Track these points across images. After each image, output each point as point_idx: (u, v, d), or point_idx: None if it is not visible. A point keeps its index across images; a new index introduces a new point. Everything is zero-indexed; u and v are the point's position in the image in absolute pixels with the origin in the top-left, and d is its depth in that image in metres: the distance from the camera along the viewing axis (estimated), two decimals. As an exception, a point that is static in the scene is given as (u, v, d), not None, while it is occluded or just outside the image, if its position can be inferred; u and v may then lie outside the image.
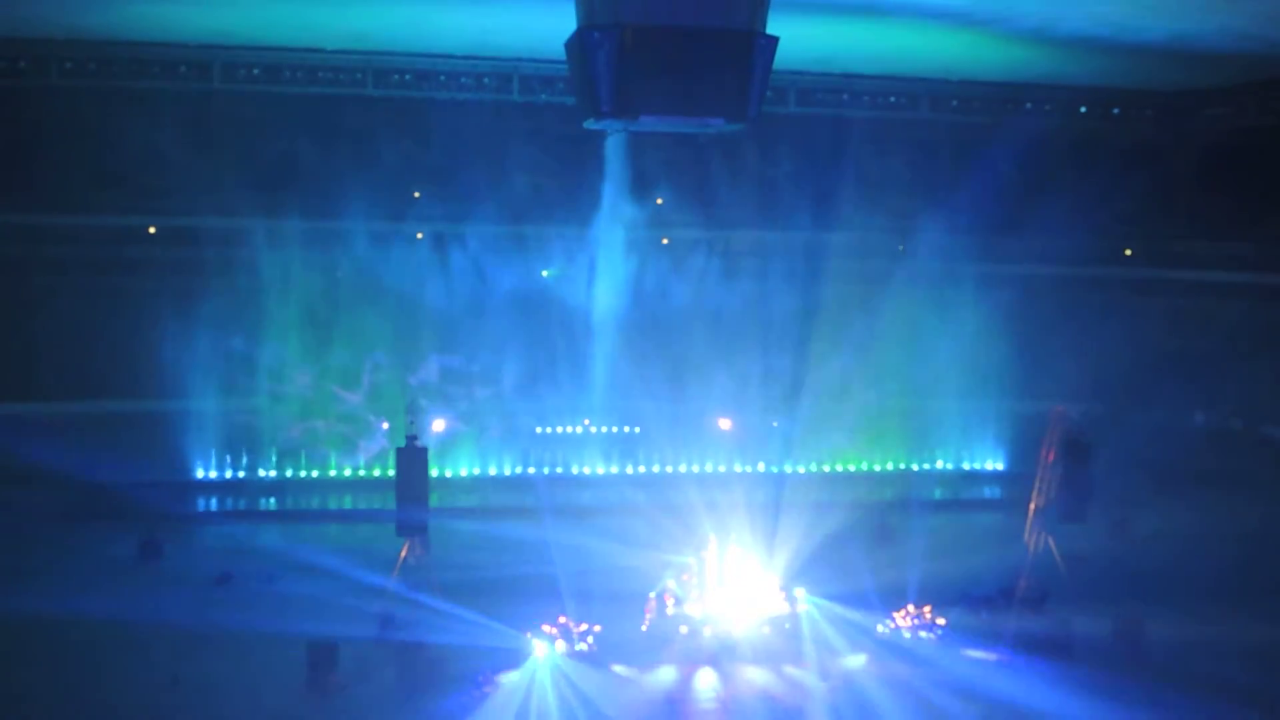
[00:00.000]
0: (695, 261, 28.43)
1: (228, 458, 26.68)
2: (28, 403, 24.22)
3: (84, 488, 23.56)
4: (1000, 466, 29.16)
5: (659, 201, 28.02)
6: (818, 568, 19.45)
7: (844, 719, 15.23)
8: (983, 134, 26.26)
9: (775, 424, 28.09)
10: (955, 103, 26.89)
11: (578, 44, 16.36)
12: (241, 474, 26.67)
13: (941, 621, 18.09)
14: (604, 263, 27.15)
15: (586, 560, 20.09)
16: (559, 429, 27.80)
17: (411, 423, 21.88)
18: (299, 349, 26.81)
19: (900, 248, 27.84)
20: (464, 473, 27.27)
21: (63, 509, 23.23)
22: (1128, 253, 29.44)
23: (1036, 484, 20.53)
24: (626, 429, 28.04)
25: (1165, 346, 26.49)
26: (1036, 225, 27.48)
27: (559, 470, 27.66)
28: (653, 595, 18.35)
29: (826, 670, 16.84)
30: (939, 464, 29.09)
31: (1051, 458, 20.39)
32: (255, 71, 25.86)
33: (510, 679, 16.17)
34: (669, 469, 27.77)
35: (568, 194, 25.92)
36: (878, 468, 28.62)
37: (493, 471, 27.47)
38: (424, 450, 19.32)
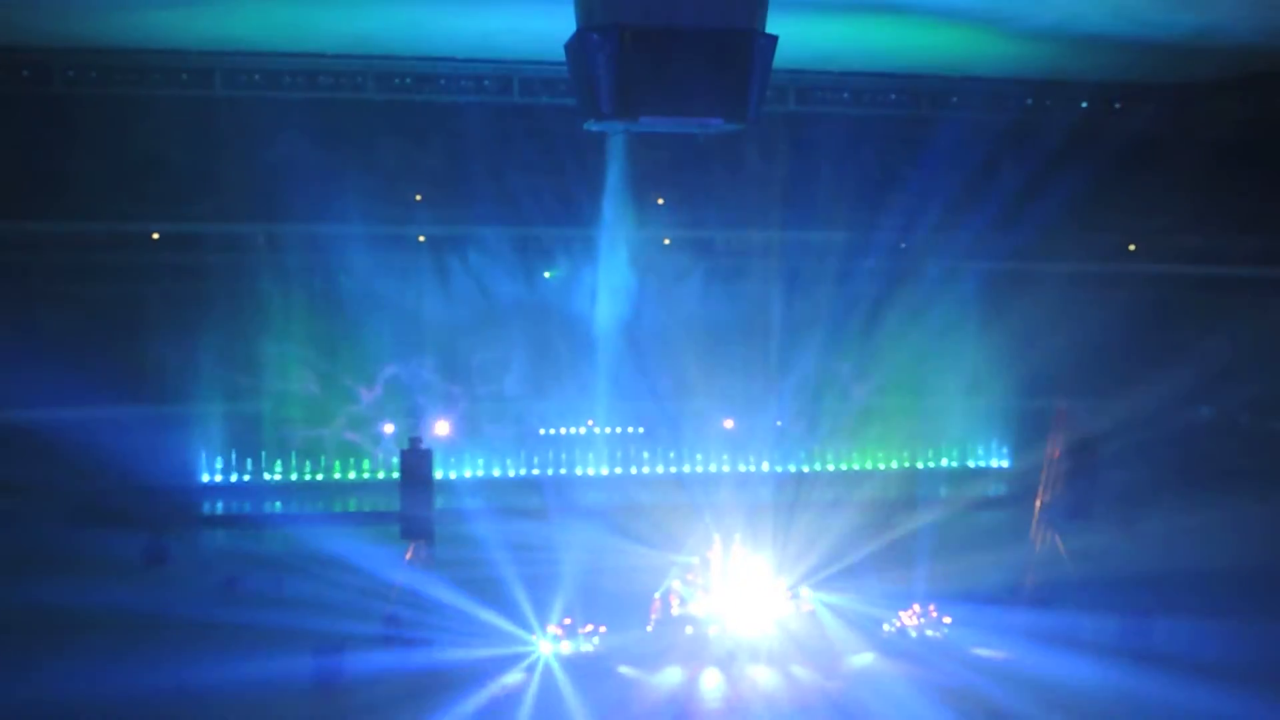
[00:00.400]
0: (697, 262, 28.43)
1: (232, 462, 26.70)
2: (27, 409, 24.23)
3: (89, 493, 23.65)
4: (1005, 464, 29.14)
5: (660, 202, 28.04)
6: (823, 567, 19.45)
7: (849, 718, 15.20)
8: (984, 131, 26.17)
9: (779, 423, 28.09)
10: (956, 99, 26.82)
11: (577, 46, 16.38)
12: (246, 478, 26.70)
13: (948, 620, 18.07)
14: (606, 264, 27.15)
15: (591, 561, 20.09)
16: (563, 430, 27.79)
17: (415, 425, 21.98)
18: (301, 353, 26.83)
19: (902, 245, 27.81)
20: (468, 474, 27.29)
21: (68, 514, 23.28)
22: (1132, 248, 29.35)
23: (1042, 481, 20.51)
24: (630, 429, 28.03)
25: (1172, 341, 26.42)
26: (1039, 221, 27.43)
27: (563, 471, 27.66)
28: (658, 596, 18.35)
29: (833, 670, 16.83)
30: (944, 462, 29.04)
31: (1057, 455, 20.36)
32: (256, 78, 25.86)
33: (515, 680, 16.18)
34: (673, 469, 27.76)
35: (569, 196, 25.91)
36: (882, 466, 28.58)
37: (496, 473, 27.48)
38: (428, 453, 19.35)
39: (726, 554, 18.67)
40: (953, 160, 25.55)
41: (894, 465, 28.67)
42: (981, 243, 27.10)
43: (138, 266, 25.91)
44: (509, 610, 17.61)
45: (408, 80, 26.06)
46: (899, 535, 22.14)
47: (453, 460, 27.15)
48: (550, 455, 27.77)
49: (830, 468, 28.35)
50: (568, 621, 17.25)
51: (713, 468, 27.92)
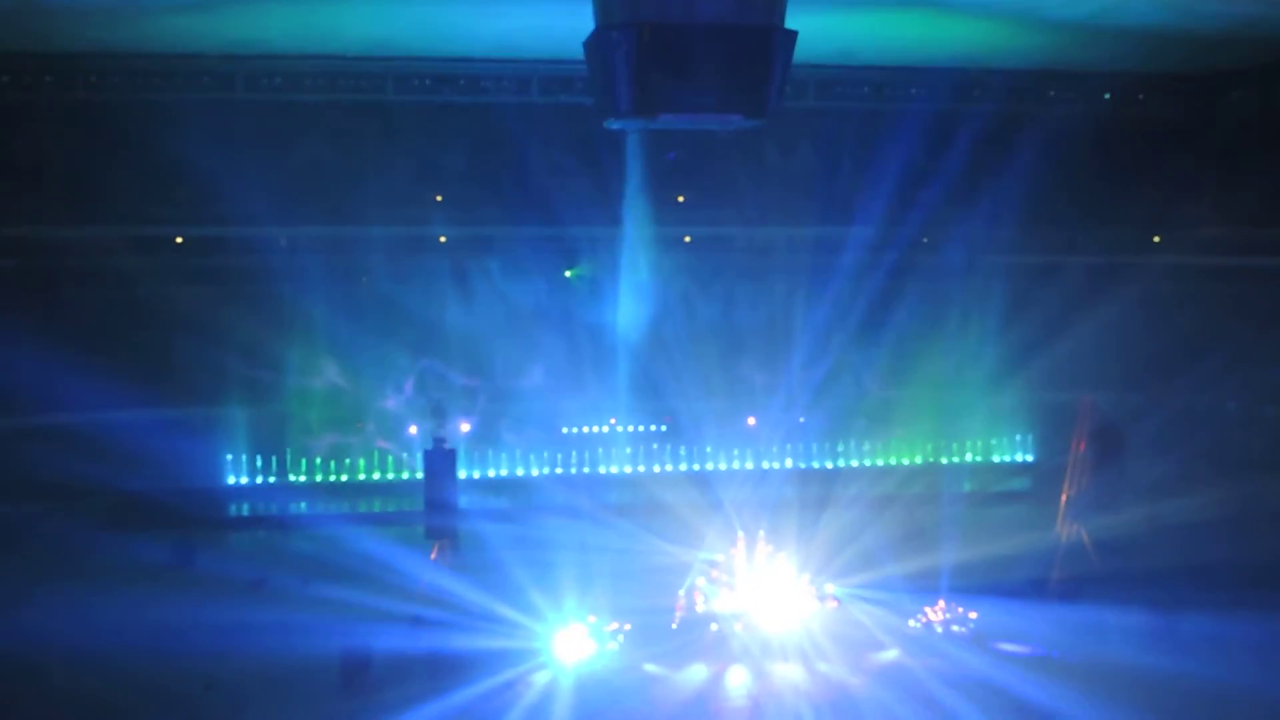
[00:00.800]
0: (718, 259, 28.39)
1: (257, 464, 26.86)
2: (54, 413, 24.45)
3: (116, 495, 23.84)
4: (1030, 458, 29.00)
5: (680, 200, 28.02)
6: (847, 563, 19.42)
7: (876, 715, 15.15)
8: (1007, 124, 26.04)
9: (802, 420, 28.05)
10: (978, 92, 26.65)
11: (596, 44, 16.38)
12: (271, 479, 26.84)
13: (974, 615, 18.00)
14: (627, 262, 27.15)
15: (615, 559, 20.11)
16: (585, 429, 27.82)
17: (439, 425, 22.05)
18: (324, 354, 26.96)
19: (924, 240, 27.70)
20: (491, 474, 27.36)
21: (95, 517, 23.47)
22: (1156, 240, 29.15)
23: (1068, 474, 20.42)
24: (653, 427, 28.04)
25: (1196, 333, 26.25)
26: (1063, 214, 27.31)
27: (586, 470, 27.68)
28: (682, 593, 18.36)
29: (858, 666, 16.79)
30: (968, 456, 28.92)
31: (1082, 447, 20.28)
32: (277, 80, 25.96)
33: (540, 678, 16.21)
34: (696, 467, 27.75)
35: (589, 195, 25.93)
36: (906, 461, 28.49)
37: (520, 472, 27.54)
38: (452, 452, 19.44)
39: (750, 551, 18.68)
40: (975, 154, 25.43)
41: (918, 460, 28.57)
42: (1004, 236, 26.98)
43: (162, 270, 26.05)
44: (533, 608, 17.65)
45: (427, 81, 26.09)
46: (923, 530, 22.06)
47: (476, 459, 27.26)
48: (573, 454, 27.79)
49: (854, 463, 28.29)
50: (592, 619, 17.26)
51: (735, 465, 27.89)
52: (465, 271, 27.24)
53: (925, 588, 18.69)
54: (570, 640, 16.91)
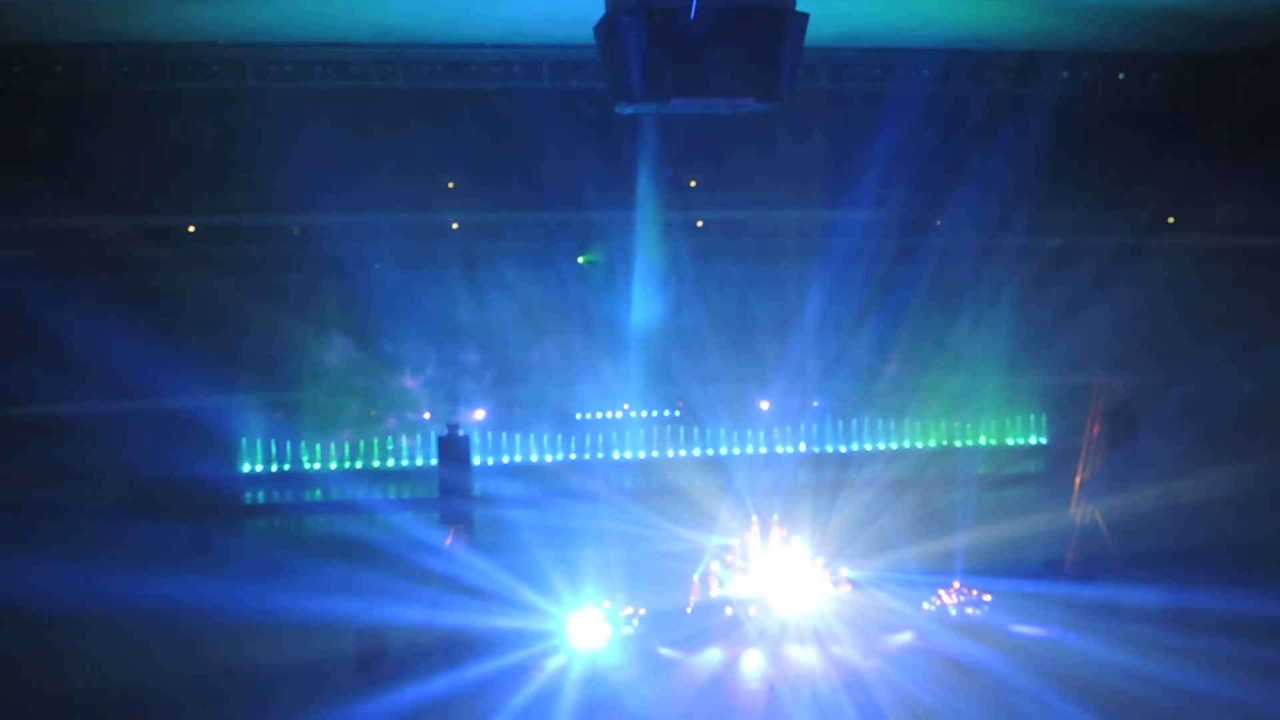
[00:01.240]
0: (730, 243, 28.34)
1: (272, 451, 26.96)
2: (70, 403, 24.58)
3: (132, 484, 23.97)
4: (1044, 440, 28.95)
5: (692, 184, 27.97)
6: (862, 545, 19.44)
7: (891, 698, 15.17)
8: (1020, 105, 25.92)
9: (815, 404, 28.06)
10: (991, 74, 26.51)
11: (606, 28, 16.32)
12: (286, 467, 26.94)
13: (988, 598, 18.00)
14: (640, 247, 27.13)
15: (630, 543, 20.17)
16: (599, 414, 27.84)
17: (453, 412, 22.08)
18: (337, 342, 27.03)
19: (937, 222, 27.62)
20: (506, 460, 27.42)
21: (112, 505, 23.60)
22: (1170, 220, 29.03)
23: (1082, 456, 20.38)
24: (666, 413, 28.06)
25: (1211, 314, 26.15)
26: (1076, 195, 27.18)
27: (600, 455, 27.72)
28: (696, 577, 18.39)
29: (872, 649, 16.81)
30: (981, 439, 28.89)
31: (1096, 429, 20.22)
32: (288, 68, 25.93)
33: (556, 662, 16.27)
34: (710, 451, 27.77)
35: (601, 180, 25.88)
36: (920, 445, 28.47)
37: (534, 458, 27.59)
38: (466, 439, 19.49)
39: (764, 535, 18.69)
40: (988, 135, 25.34)
41: (931, 443, 28.55)
42: (1017, 217, 26.87)
43: (174, 258, 26.12)
44: (549, 593, 17.70)
45: (438, 68, 26.05)
46: (937, 513, 22.07)
47: (490, 446, 27.32)
48: (587, 439, 27.83)
49: (867, 447, 28.28)
50: (607, 604, 17.30)
51: (749, 449, 27.91)
52: (477, 258, 27.25)
53: (939, 570, 18.70)
54: (585, 625, 16.95)
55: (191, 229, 27.22)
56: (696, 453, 27.86)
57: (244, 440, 26.96)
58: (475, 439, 25.54)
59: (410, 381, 27.29)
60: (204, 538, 21.91)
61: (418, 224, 27.17)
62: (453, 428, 19.67)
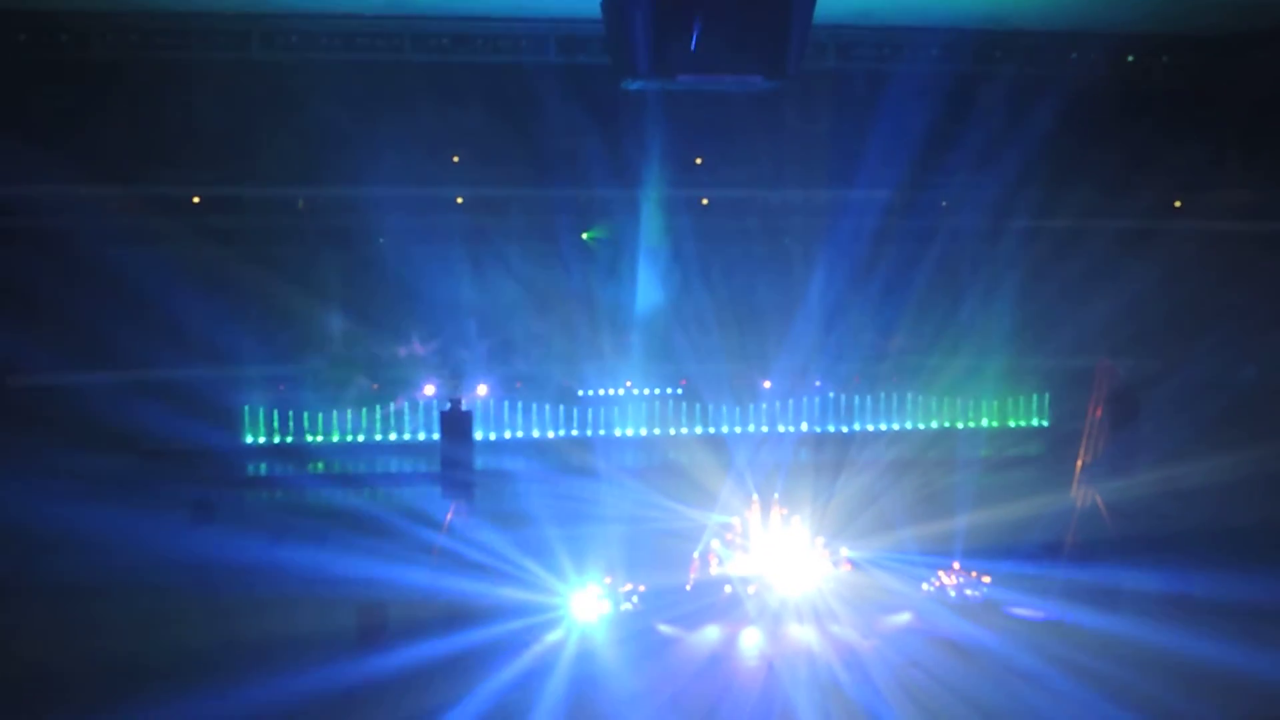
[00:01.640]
0: (736, 221, 28.27)
1: (275, 424, 27.00)
2: (73, 373, 24.61)
3: (135, 455, 24.01)
4: (1045, 422, 28.96)
5: (698, 162, 27.87)
6: (861, 526, 19.48)
7: (888, 677, 15.23)
8: (1028, 86, 25.77)
9: (818, 383, 28.07)
10: (999, 54, 26.34)
11: (613, 3, 16.21)
12: (289, 439, 26.99)
13: (987, 579, 18.05)
14: (644, 225, 27.07)
15: (630, 520, 20.22)
16: (601, 391, 27.86)
17: (455, 386, 22.08)
18: (341, 315, 27.05)
19: (943, 203, 27.54)
20: (507, 435, 27.46)
21: (115, 476, 23.63)
22: (1178, 204, 28.92)
23: (1083, 440, 20.39)
24: (669, 390, 28.07)
25: (1215, 300, 26.08)
26: (1083, 178, 27.05)
27: (602, 432, 27.75)
28: (696, 555, 18.44)
29: (870, 629, 16.87)
30: (984, 421, 28.90)
31: (1099, 412, 20.23)
32: (293, 39, 25.78)
33: (555, 637, 16.33)
34: (711, 430, 27.80)
35: (607, 156, 25.80)
36: (922, 426, 28.49)
37: (536, 434, 27.62)
38: (468, 414, 19.52)
39: (765, 514, 18.74)
40: (996, 116, 25.22)
41: (933, 425, 28.56)
42: (1023, 199, 26.78)
43: (178, 230, 26.07)
44: (549, 569, 17.77)
45: (445, 41, 25.88)
46: (938, 494, 22.11)
47: (492, 421, 27.35)
48: (589, 416, 27.86)
49: (869, 427, 28.30)
50: (608, 580, 17.36)
51: (750, 428, 27.92)
52: (482, 232, 27.19)
53: (939, 552, 18.74)
54: (586, 601, 17.02)
55: (196, 200, 27.15)
56: (698, 431, 27.88)
57: (246, 412, 27.00)
58: (477, 414, 25.60)
59: (413, 355, 27.29)
60: (206, 510, 21.97)
61: (422, 198, 27.09)
62: (455, 402, 19.69)
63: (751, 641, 16.57)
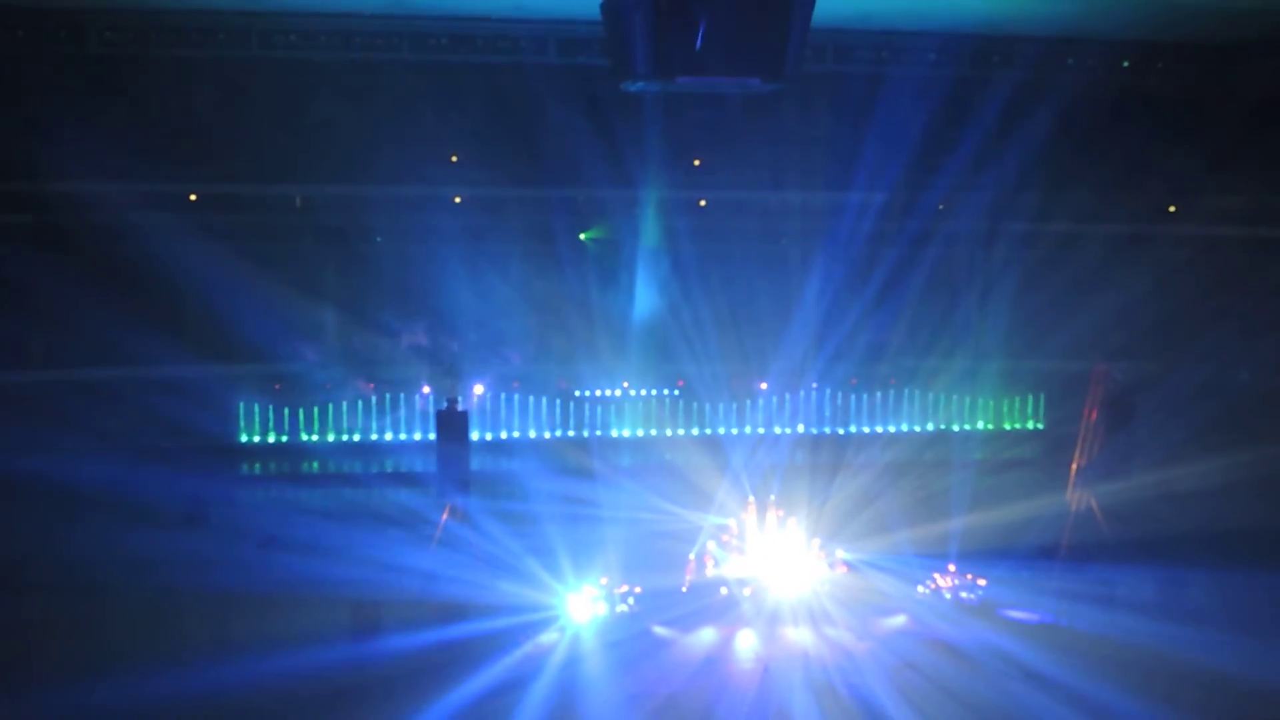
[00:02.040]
0: (734, 223, 28.30)
1: (270, 422, 26.98)
2: (66, 369, 24.57)
3: (129, 453, 23.95)
4: (1041, 425, 29.01)
5: (696, 163, 27.90)
6: (857, 528, 19.50)
7: (884, 679, 15.25)
8: (1025, 90, 25.82)
9: (814, 385, 28.09)
10: (997, 59, 26.38)
11: (613, 5, 16.22)
12: (284, 438, 26.97)
13: (982, 582, 18.08)
14: (642, 226, 27.09)
15: (626, 522, 20.21)
16: (598, 392, 27.87)
17: (451, 386, 22.06)
18: (337, 314, 27.04)
19: (940, 207, 27.58)
20: (504, 436, 27.45)
21: (108, 473, 23.58)
22: (1172, 209, 28.99)
23: (1079, 443, 20.41)
24: (665, 391, 28.09)
25: (1211, 304, 26.15)
26: (1079, 182, 27.11)
27: (598, 433, 27.75)
28: (692, 556, 18.45)
29: (866, 631, 16.88)
30: (979, 423, 28.94)
31: (1094, 416, 20.26)
32: (292, 38, 25.75)
33: (550, 638, 16.33)
34: (708, 431, 27.81)
35: (605, 157, 25.81)
36: (917, 428, 28.53)
37: (532, 435, 27.62)
38: (464, 414, 19.50)
39: (761, 515, 18.75)
40: (993, 120, 25.27)
41: (929, 427, 28.60)
42: (1020, 203, 26.84)
43: (175, 227, 26.02)
44: (544, 570, 17.76)
45: (444, 41, 25.86)
46: (933, 497, 22.12)
47: (488, 421, 27.34)
48: (586, 417, 27.86)
49: (865, 429, 28.33)
50: (603, 581, 17.36)
51: (747, 429, 27.93)
52: (480, 233, 27.19)
53: (935, 554, 18.77)
54: (581, 602, 17.02)
55: (193, 197, 27.11)
56: (695, 432, 27.89)
57: (242, 411, 26.97)
58: (474, 414, 25.58)
59: (409, 355, 27.28)
60: (200, 509, 21.92)
61: (420, 197, 27.10)
62: (451, 402, 19.68)
63: (747, 643, 16.58)
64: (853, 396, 28.45)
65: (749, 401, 28.07)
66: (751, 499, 19.01)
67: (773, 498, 18.99)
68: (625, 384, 28.01)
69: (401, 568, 18.09)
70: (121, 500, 21.89)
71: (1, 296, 23.69)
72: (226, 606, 16.97)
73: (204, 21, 25.72)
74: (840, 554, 18.70)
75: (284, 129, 25.04)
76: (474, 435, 24.04)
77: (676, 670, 15.61)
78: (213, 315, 25.62)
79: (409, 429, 27.39)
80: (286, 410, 27.09)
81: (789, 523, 18.66)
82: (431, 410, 26.01)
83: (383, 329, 27.05)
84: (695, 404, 27.93)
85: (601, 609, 17.08)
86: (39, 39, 25.64)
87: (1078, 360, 24.31)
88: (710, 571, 18.25)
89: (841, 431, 28.19)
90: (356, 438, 27.29)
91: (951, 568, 18.31)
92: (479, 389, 27.01)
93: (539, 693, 14.70)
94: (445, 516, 18.72)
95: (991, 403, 29.04)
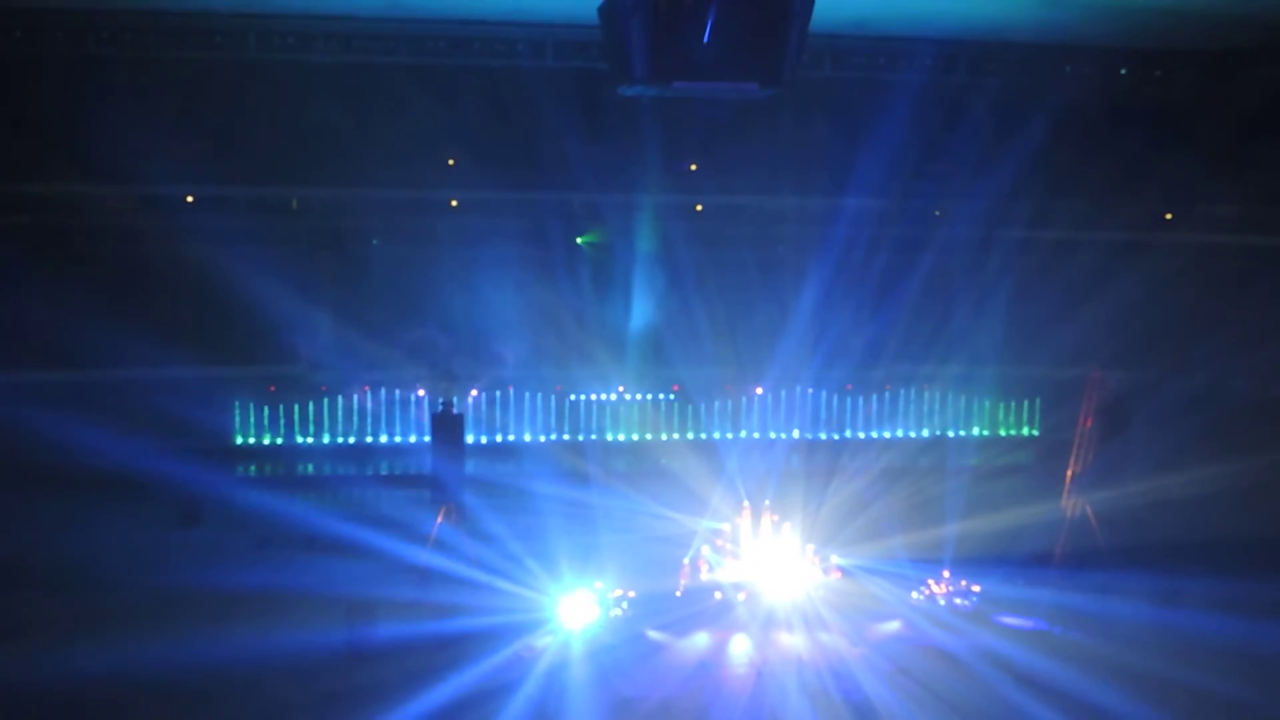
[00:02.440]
0: (730, 228, 28.32)
1: (265, 424, 26.96)
2: (60, 371, 24.55)
3: (123, 455, 23.92)
4: (1036, 432, 29.03)
5: (693, 168, 27.92)
6: (852, 533, 19.51)
7: (877, 685, 15.26)
8: (1022, 97, 25.87)
9: (810, 390, 28.11)
10: (994, 65, 26.44)
11: (610, 9, 16.25)
12: (279, 440, 26.95)
13: (977, 589, 18.09)
14: (638, 230, 27.11)
15: (621, 526, 20.22)
16: (593, 396, 27.87)
17: (447, 389, 22.05)
18: (333, 317, 27.01)
19: (936, 213, 27.62)
20: (499, 439, 27.44)
21: (102, 476, 23.56)
22: (1169, 217, 29.04)
23: (1074, 450, 20.45)
24: (661, 396, 28.09)
25: (1206, 312, 26.19)
26: (1075, 189, 27.15)
27: (594, 437, 27.75)
28: (686, 561, 18.45)
29: (860, 637, 16.90)
30: (974, 429, 28.97)
31: (1089, 423, 20.29)
32: (290, 40, 25.75)
33: (544, 642, 16.33)
34: (703, 435, 27.82)
35: (602, 161, 25.84)
36: (913, 434, 28.55)
37: (527, 438, 27.61)
38: (459, 417, 19.50)
39: (755, 520, 18.76)
40: (989, 127, 25.30)
41: (924, 433, 28.62)
42: (1016, 210, 26.87)
43: (172, 228, 26.03)
44: (538, 574, 17.76)
45: (441, 44, 25.87)
46: (928, 503, 22.14)
47: (484, 424, 27.33)
48: (581, 421, 27.86)
49: (860, 435, 28.34)
50: (597, 585, 17.36)
51: (742, 434, 27.95)
52: (476, 236, 27.20)
53: (929, 560, 18.78)
54: (576, 606, 17.02)
55: (190, 199, 27.11)
56: (690, 436, 27.89)
57: (237, 413, 26.96)
58: (469, 416, 25.57)
59: (405, 358, 27.26)
60: (195, 511, 21.91)
61: (416, 200, 27.12)
62: (446, 405, 19.69)
63: (741, 648, 16.59)
64: (848, 402, 28.47)
65: (744, 406, 28.10)
66: (746, 503, 19.03)
67: (767, 502, 19.01)
68: (620, 388, 28.01)
69: (396, 570, 18.10)
70: (115, 503, 21.93)
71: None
72: (221, 606, 16.97)
73: (202, 23, 25.71)
74: (835, 559, 18.72)
75: (281, 131, 25.04)
76: (469, 438, 24.06)
77: (670, 675, 15.62)
78: (208, 317, 25.62)
79: (404, 431, 27.39)
80: (282, 411, 27.08)
81: (784, 528, 18.68)
82: (427, 413, 25.98)
83: (378, 331, 27.03)
84: (690, 408, 27.95)
85: (595, 613, 17.08)
86: (37, 40, 25.64)
87: (1072, 367, 24.36)
88: (705, 576, 18.27)
89: (836, 437, 28.19)
90: (352, 440, 27.28)
91: (946, 574, 18.33)
92: (474, 392, 27.02)
93: (531, 696, 14.71)
94: (440, 519, 18.72)
95: (987, 409, 29.08)
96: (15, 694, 14.45)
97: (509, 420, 27.64)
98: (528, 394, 27.77)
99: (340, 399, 27.30)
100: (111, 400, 23.66)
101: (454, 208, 27.65)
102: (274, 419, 27.06)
